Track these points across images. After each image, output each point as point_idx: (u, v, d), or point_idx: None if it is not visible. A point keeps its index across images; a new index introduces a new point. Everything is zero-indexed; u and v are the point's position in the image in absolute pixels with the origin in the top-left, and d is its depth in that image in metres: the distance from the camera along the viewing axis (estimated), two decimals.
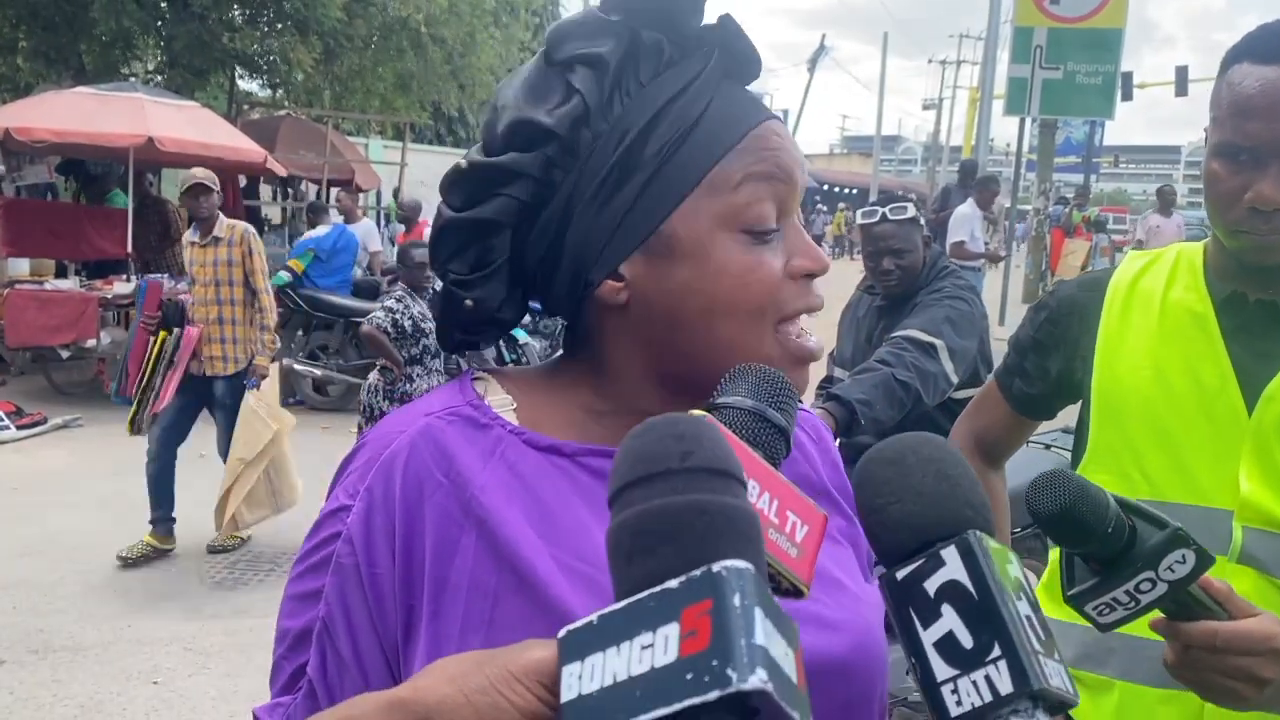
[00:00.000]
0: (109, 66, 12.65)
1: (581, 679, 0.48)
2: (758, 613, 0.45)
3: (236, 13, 12.82)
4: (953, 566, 0.60)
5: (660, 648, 0.46)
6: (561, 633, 0.50)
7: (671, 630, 0.46)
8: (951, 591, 0.59)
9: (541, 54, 0.86)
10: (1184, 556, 0.91)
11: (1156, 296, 1.51)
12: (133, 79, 12.22)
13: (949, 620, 0.59)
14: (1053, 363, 1.63)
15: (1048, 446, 4.31)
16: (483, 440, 0.84)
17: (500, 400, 0.88)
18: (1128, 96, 18.10)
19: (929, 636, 0.60)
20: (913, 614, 0.61)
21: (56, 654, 4.23)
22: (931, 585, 0.60)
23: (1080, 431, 1.60)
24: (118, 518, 5.88)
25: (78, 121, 8.95)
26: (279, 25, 13.11)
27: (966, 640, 0.58)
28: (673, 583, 0.47)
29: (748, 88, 0.88)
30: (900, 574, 0.61)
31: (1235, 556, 1.40)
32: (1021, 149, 19.05)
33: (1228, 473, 1.42)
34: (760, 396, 0.69)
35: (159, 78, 13.28)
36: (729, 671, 0.43)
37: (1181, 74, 21.31)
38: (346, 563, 0.81)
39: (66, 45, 12.52)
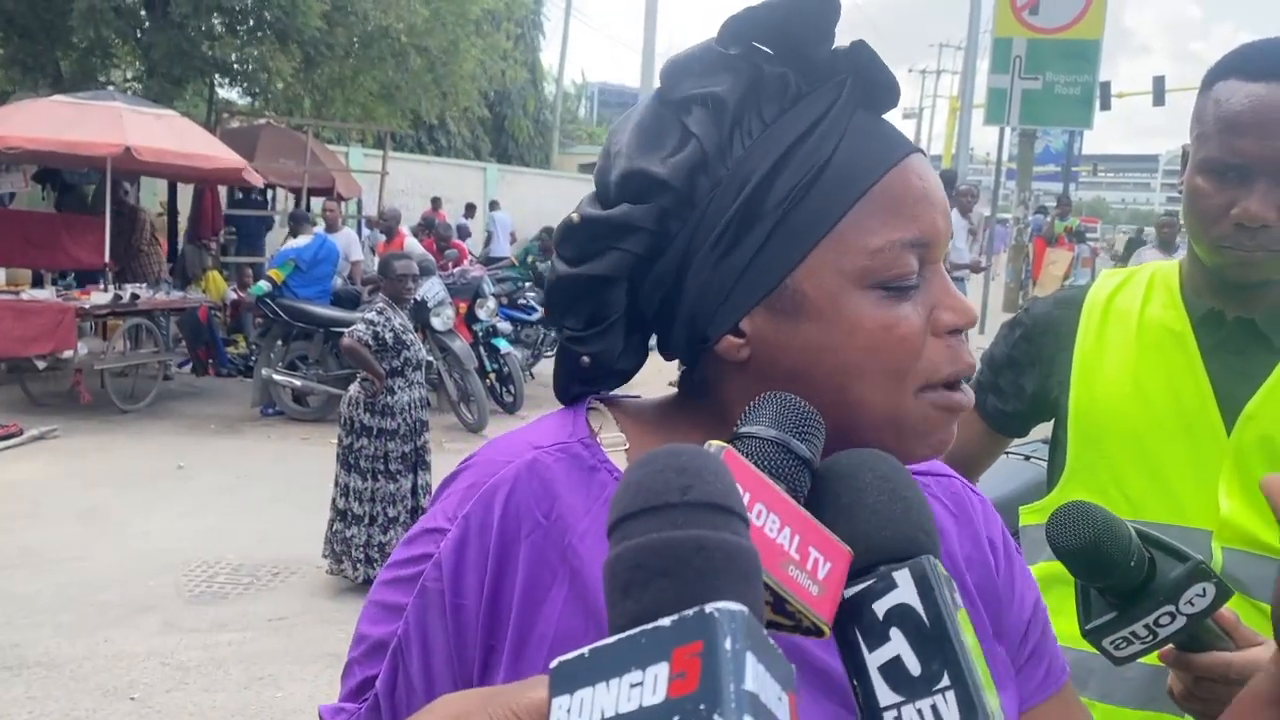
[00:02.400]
0: (87, 75, 12.56)
1: (570, 713, 0.46)
2: (749, 657, 0.44)
3: (216, 21, 12.74)
4: (905, 590, 0.59)
5: (649, 687, 0.45)
6: (554, 663, 0.49)
7: (661, 670, 0.45)
8: (902, 615, 0.58)
9: (656, 93, 0.80)
10: (1204, 590, 0.89)
11: (1133, 314, 1.51)
12: (111, 87, 12.13)
13: (897, 645, 0.58)
14: (1028, 380, 1.62)
15: (1027, 458, 4.31)
16: (588, 484, 0.80)
17: (613, 439, 0.84)
18: (1106, 106, 18.27)
19: (875, 660, 0.58)
20: (858, 635, 0.59)
21: (31, 670, 4.18)
22: (881, 607, 0.59)
23: (1056, 450, 1.59)
24: (94, 530, 5.84)
25: (54, 130, 8.90)
26: (259, 34, 13.02)
27: (914, 667, 0.57)
28: (665, 621, 0.46)
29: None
30: (848, 592, 0.60)
31: None
32: (1001, 158, 19.19)
33: (1208, 492, 1.42)
34: (784, 426, 0.66)
35: (137, 86, 13.20)
36: (716, 717, 0.42)
37: (1159, 83, 21.53)
38: (432, 588, 0.79)
39: (44, 53, 12.42)
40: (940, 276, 0.79)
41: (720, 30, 0.79)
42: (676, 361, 0.87)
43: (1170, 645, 0.99)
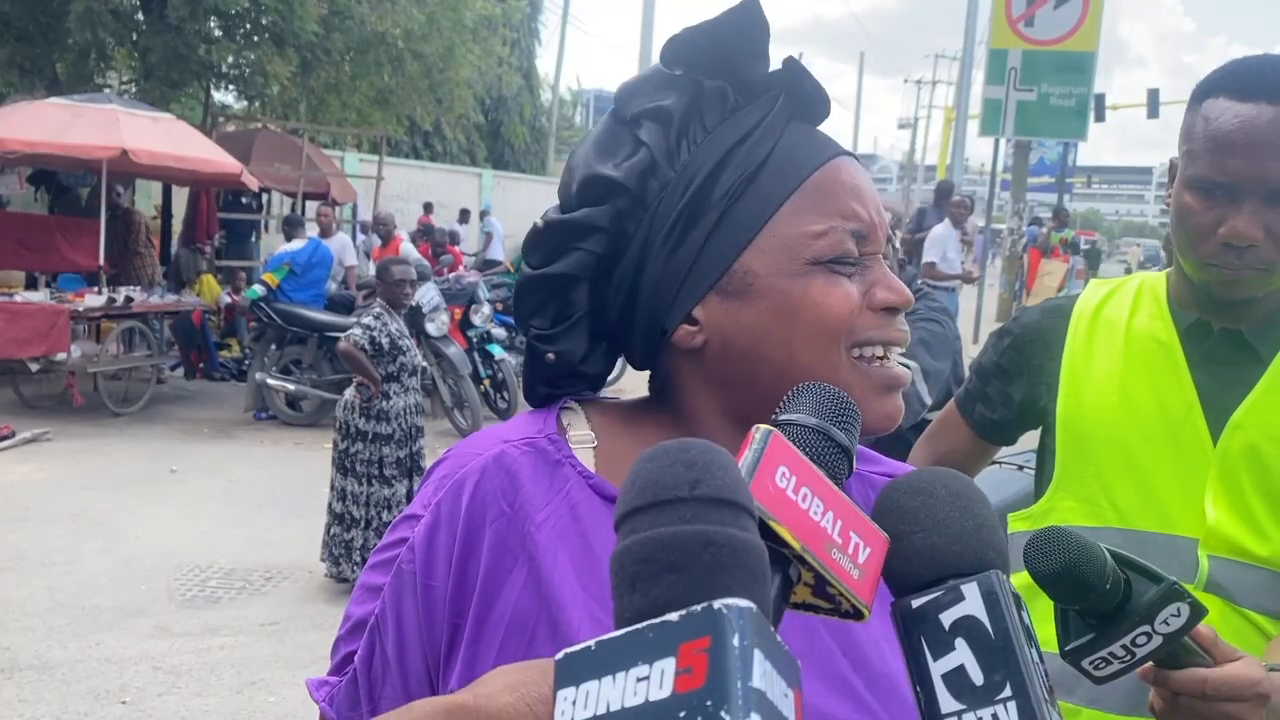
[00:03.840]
0: (83, 77, 12.53)
1: (575, 705, 0.47)
2: (757, 654, 0.44)
3: (213, 25, 12.72)
4: (972, 603, 0.60)
5: (656, 682, 0.45)
6: (559, 655, 0.49)
7: (668, 665, 0.45)
8: (968, 627, 0.60)
9: (610, 113, 0.89)
10: (1179, 610, 0.91)
11: (1121, 325, 1.53)
12: (107, 90, 12.10)
13: (961, 654, 0.59)
14: (1016, 389, 1.63)
15: (1020, 467, 4.31)
16: (551, 477, 0.86)
17: (581, 436, 0.89)
18: (1100, 118, 18.36)
19: (939, 668, 0.60)
20: (924, 643, 0.61)
21: (23, 673, 4.17)
22: (948, 618, 0.60)
23: (1044, 458, 1.61)
24: (86, 533, 5.82)
25: (51, 132, 8.89)
26: (255, 38, 13.00)
27: (977, 676, 0.58)
28: (673, 616, 0.46)
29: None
30: (916, 602, 0.62)
31: (1201, 585, 1.42)
32: (996, 169, 19.24)
33: (1194, 501, 1.43)
34: (824, 415, 0.67)
35: (133, 89, 13.17)
36: (723, 714, 0.43)
37: (1153, 96, 21.66)
38: (406, 569, 0.85)
39: (40, 56, 12.39)
40: (880, 264, 0.86)
41: (663, 52, 0.88)
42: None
43: (1149, 663, 1.00)
